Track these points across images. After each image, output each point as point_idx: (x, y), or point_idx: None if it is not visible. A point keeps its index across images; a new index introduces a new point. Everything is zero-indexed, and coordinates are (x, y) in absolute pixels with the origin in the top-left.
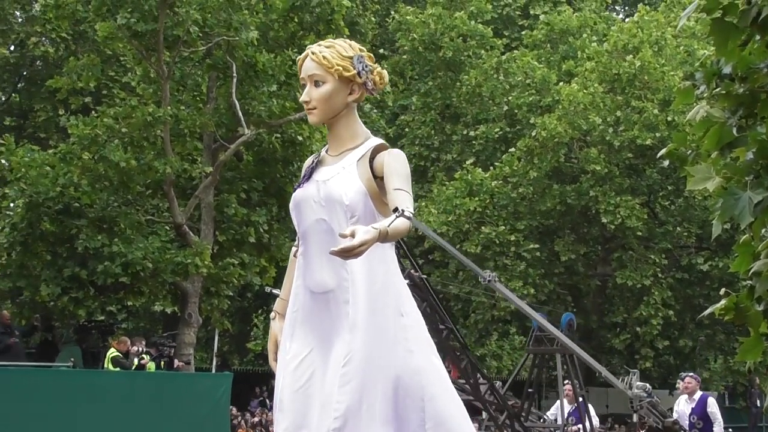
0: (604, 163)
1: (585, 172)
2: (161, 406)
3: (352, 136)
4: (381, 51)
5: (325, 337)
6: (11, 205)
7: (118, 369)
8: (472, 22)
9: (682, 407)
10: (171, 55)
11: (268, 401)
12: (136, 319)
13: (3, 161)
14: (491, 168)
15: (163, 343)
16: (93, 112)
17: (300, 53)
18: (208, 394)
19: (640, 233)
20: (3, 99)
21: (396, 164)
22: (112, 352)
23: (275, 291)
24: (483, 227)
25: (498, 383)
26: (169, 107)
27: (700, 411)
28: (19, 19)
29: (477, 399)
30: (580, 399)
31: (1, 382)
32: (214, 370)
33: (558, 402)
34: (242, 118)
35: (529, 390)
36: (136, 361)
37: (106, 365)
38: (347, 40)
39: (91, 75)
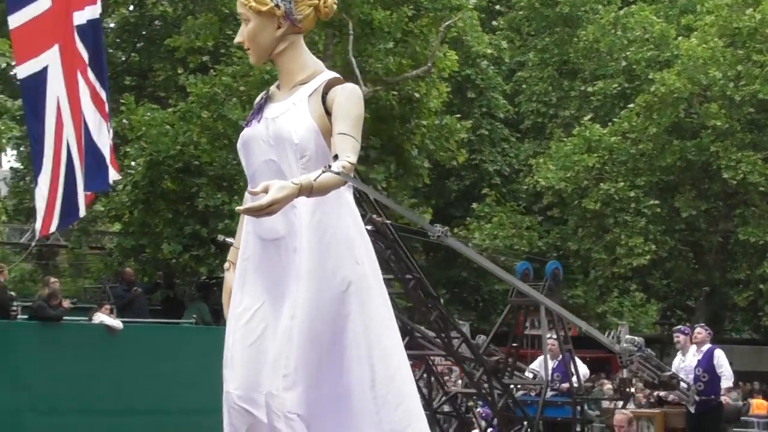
0: (724, 118)
1: (705, 128)
2: None
3: (302, 68)
4: (497, 7)
5: (277, 288)
6: (132, 163)
7: None
8: None
9: (689, 360)
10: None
11: None
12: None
13: (124, 120)
14: (609, 124)
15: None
16: (211, 70)
17: (416, 10)
18: None
19: (762, 189)
20: (123, 59)
21: (346, 103)
22: None
23: (228, 239)
24: (602, 183)
25: (483, 337)
26: None
27: (705, 363)
28: None
29: (450, 354)
30: (567, 354)
31: (126, 339)
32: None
33: (540, 357)
34: (359, 76)
35: (513, 344)
36: None
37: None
38: None
39: (209, 34)
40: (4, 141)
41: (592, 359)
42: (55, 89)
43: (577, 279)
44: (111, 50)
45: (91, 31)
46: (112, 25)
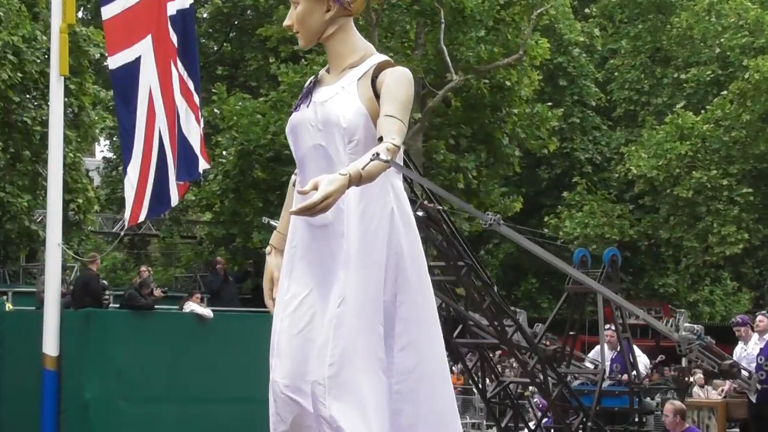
0: None
1: None
2: None
3: (352, 51)
4: None
5: (326, 275)
6: (223, 153)
7: None
8: None
9: (751, 348)
10: (379, 2)
11: None
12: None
13: (215, 110)
14: (702, 111)
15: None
16: (302, 59)
17: None
18: None
19: None
20: (215, 49)
21: (395, 86)
22: None
23: (273, 222)
24: (694, 171)
25: (539, 325)
26: None
27: (767, 351)
28: None
29: (503, 342)
30: (625, 343)
31: (217, 327)
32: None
33: (598, 346)
34: (450, 64)
35: (570, 333)
36: None
37: None
38: None
39: None
40: (97, 131)
41: (664, 348)
42: (148, 79)
43: (668, 268)
44: (203, 40)
45: (181, 21)
46: (205, 15)
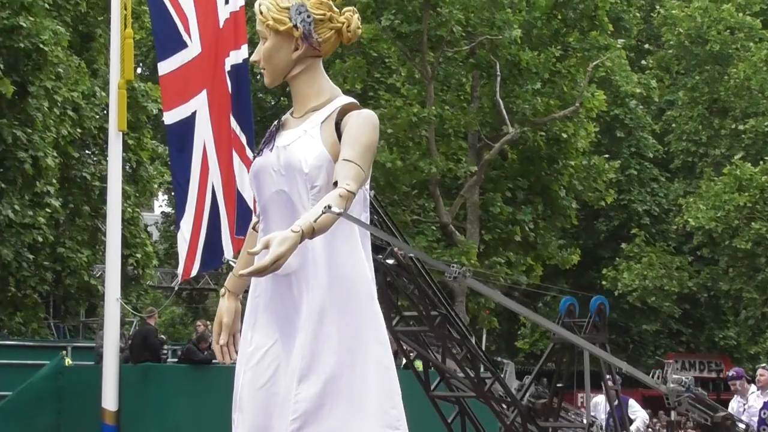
0: None
1: None
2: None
3: (317, 93)
4: (646, 46)
5: (290, 325)
6: None
7: None
8: (740, 14)
9: (753, 401)
10: (435, 56)
11: None
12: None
13: None
14: (761, 162)
15: (430, 342)
16: None
17: (564, 50)
18: None
19: None
20: (273, 103)
21: (357, 129)
22: None
23: (233, 261)
24: (753, 223)
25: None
26: (433, 107)
27: None
28: None
29: (479, 395)
30: (614, 393)
31: None
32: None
33: (596, 398)
34: (506, 117)
35: (558, 385)
36: (403, 360)
37: None
38: None
39: (357, 77)
40: (155, 186)
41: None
42: (202, 134)
43: (728, 320)
44: (260, 95)
45: (235, 76)
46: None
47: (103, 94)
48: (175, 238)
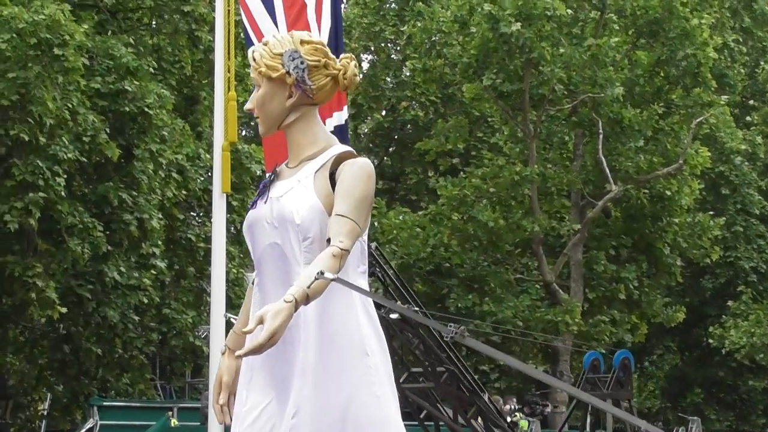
0: None
1: None
2: None
3: (311, 142)
4: (751, 102)
5: (284, 383)
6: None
7: None
8: None
9: None
10: (537, 114)
11: None
12: (508, 378)
13: (375, 224)
14: None
15: (536, 401)
16: (461, 172)
17: (667, 108)
18: None
19: None
20: (375, 163)
21: (350, 181)
22: None
23: (233, 318)
24: None
25: None
26: (536, 166)
27: None
28: (391, 85)
29: None
30: None
31: None
32: (587, 429)
33: None
34: (609, 175)
35: None
36: (508, 418)
37: None
38: (294, 32)
39: (459, 136)
40: None
41: None
42: None
43: None
44: (363, 155)
45: (339, 136)
46: (366, 130)
47: (207, 156)
48: None
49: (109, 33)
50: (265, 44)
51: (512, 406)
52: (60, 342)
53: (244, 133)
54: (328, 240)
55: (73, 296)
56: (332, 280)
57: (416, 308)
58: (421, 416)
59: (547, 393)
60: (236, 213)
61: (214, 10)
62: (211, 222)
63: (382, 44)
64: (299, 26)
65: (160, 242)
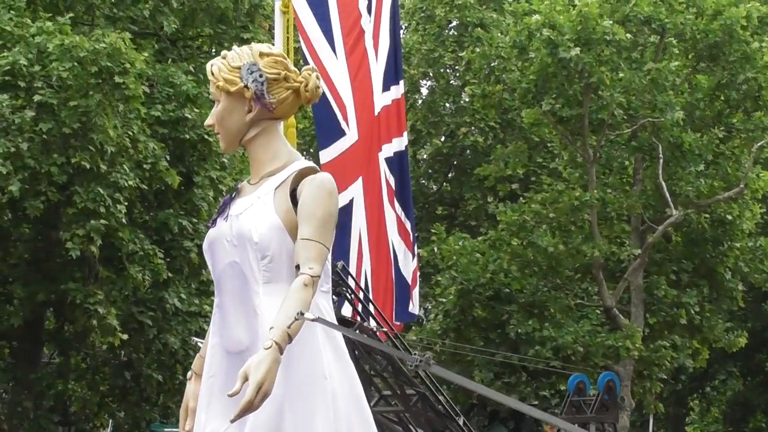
0: None
1: None
2: None
3: (272, 157)
4: None
5: None
6: (444, 292)
7: None
8: None
9: None
10: (596, 139)
11: None
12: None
13: (435, 249)
14: None
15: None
16: (521, 198)
17: (727, 132)
18: None
19: None
20: (434, 188)
21: (311, 201)
22: None
23: (200, 342)
24: None
25: None
26: (595, 191)
27: None
28: (450, 111)
29: None
30: None
31: None
32: None
33: None
34: (669, 199)
35: None
36: None
37: None
38: (254, 45)
39: (518, 162)
40: None
41: None
42: (358, 222)
43: None
44: (423, 181)
45: (398, 162)
46: (425, 156)
47: None
48: None
49: (169, 61)
50: (224, 57)
51: None
52: (121, 369)
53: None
54: (297, 266)
55: (134, 323)
56: (312, 320)
57: (384, 330)
58: None
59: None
60: None
61: (273, 38)
62: None
63: (441, 70)
64: (357, 53)
65: None
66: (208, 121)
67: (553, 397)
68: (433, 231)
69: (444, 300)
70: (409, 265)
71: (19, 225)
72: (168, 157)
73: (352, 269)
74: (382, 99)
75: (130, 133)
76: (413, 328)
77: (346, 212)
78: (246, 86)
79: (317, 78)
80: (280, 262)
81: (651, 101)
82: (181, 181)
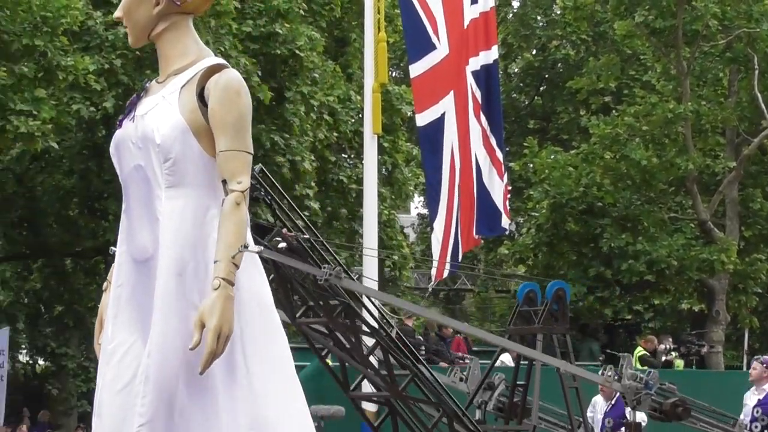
0: None
1: None
2: None
3: (181, 54)
4: None
5: (149, 319)
6: (536, 206)
7: (645, 368)
8: None
9: (747, 399)
10: (690, 51)
11: None
12: (663, 318)
13: (528, 164)
14: None
15: (691, 341)
16: (613, 111)
17: None
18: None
19: None
20: (526, 102)
21: (220, 108)
22: (639, 351)
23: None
24: None
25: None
26: (689, 103)
27: (766, 403)
28: (541, 24)
29: (394, 395)
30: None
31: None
32: (744, 369)
33: (595, 397)
34: (765, 111)
35: (519, 383)
36: (663, 358)
37: (633, 364)
38: None
39: (611, 74)
40: (411, 188)
41: None
42: (450, 136)
43: None
44: (514, 95)
45: (485, 76)
46: (516, 69)
47: (358, 97)
48: (431, 240)
49: None
50: None
51: (667, 346)
52: None
53: (394, 74)
54: (224, 181)
55: None
56: (258, 252)
57: (306, 237)
58: (323, 353)
59: (703, 333)
60: (387, 154)
61: None
62: (362, 164)
63: None
64: None
65: (313, 184)
66: (117, 14)
67: (647, 310)
68: (525, 145)
69: (536, 214)
70: (494, 179)
71: None
72: (259, 73)
73: (445, 181)
74: (470, 11)
75: (222, 49)
76: (505, 242)
77: (437, 127)
78: None
79: None
80: (183, 165)
81: (746, 11)
82: (272, 96)
